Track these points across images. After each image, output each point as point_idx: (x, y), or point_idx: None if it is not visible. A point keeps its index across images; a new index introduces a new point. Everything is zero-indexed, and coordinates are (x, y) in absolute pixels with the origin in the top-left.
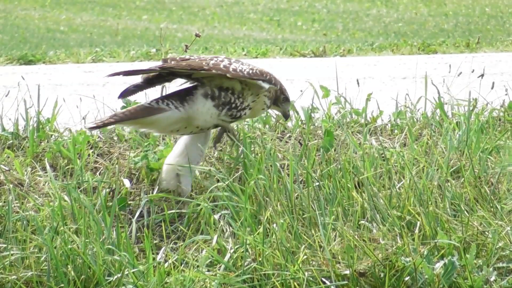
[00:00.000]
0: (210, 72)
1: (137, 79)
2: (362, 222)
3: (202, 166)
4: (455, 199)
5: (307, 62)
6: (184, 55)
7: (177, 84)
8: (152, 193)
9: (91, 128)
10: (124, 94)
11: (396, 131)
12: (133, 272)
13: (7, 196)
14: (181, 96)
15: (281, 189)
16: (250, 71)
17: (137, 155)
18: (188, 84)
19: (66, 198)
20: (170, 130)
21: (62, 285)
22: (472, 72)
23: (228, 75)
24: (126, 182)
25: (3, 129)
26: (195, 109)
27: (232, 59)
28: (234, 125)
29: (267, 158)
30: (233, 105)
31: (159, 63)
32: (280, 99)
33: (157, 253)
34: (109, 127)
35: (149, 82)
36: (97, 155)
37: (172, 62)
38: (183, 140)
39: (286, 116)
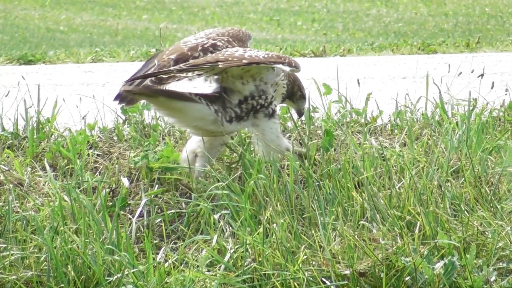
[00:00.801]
0: (227, 63)
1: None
2: (362, 222)
3: (201, 167)
4: (455, 199)
5: (307, 62)
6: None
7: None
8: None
9: (126, 91)
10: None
11: (396, 131)
12: (133, 272)
13: (7, 196)
14: (211, 98)
15: (281, 189)
16: (266, 55)
17: (137, 155)
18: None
19: (66, 198)
20: (196, 126)
21: (62, 285)
22: (472, 72)
23: (244, 61)
24: (125, 181)
25: (3, 129)
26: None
27: (247, 48)
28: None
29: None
30: (258, 106)
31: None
32: (296, 95)
33: (157, 253)
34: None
35: (161, 84)
36: (97, 155)
37: (190, 60)
38: None
39: (301, 114)
